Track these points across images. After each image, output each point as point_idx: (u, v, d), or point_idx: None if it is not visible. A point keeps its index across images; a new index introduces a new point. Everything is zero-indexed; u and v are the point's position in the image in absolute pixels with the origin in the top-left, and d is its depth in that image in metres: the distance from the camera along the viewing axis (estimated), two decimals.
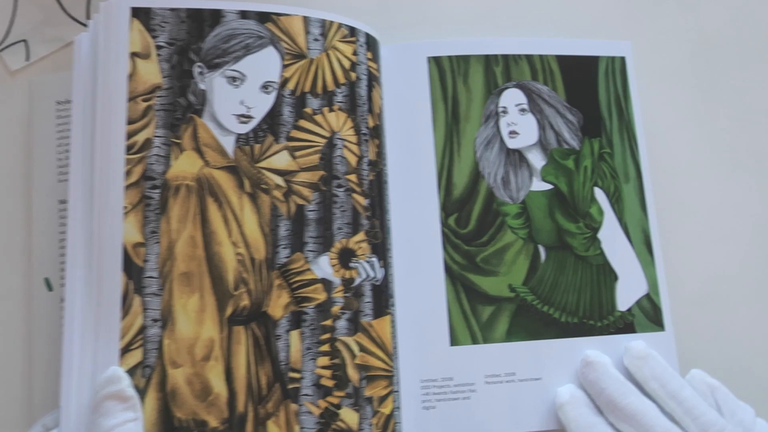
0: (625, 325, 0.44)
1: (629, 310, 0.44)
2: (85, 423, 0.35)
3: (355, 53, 0.42)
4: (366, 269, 0.40)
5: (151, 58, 0.39)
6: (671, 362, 0.43)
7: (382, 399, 0.39)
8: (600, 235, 0.45)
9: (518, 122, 0.46)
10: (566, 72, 0.47)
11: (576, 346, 0.43)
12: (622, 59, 0.48)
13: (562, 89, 0.46)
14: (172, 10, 0.40)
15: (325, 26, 0.42)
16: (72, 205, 0.38)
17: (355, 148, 0.41)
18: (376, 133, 0.42)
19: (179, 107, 0.39)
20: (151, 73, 0.39)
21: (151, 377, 0.37)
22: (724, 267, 0.48)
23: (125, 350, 0.37)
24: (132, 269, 0.37)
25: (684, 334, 0.45)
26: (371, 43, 0.43)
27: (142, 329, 0.37)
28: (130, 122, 0.39)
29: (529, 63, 0.46)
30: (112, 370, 0.36)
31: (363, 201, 0.41)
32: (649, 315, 0.44)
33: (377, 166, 0.42)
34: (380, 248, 0.41)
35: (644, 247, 0.45)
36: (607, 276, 0.45)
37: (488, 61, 0.46)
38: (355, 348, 0.39)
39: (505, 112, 0.46)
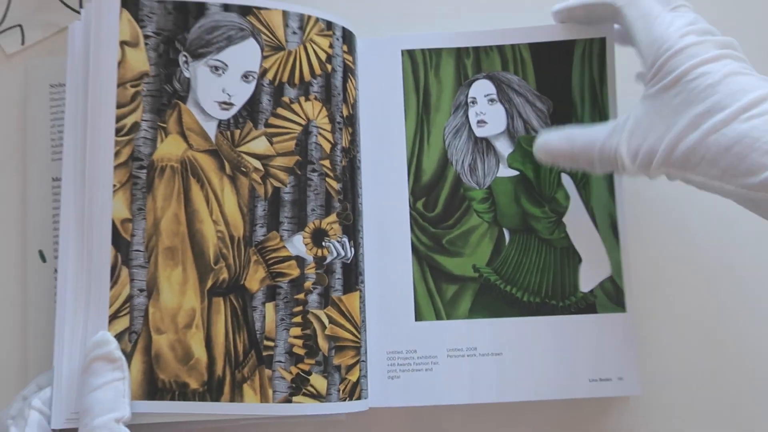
0: (586, 305, 0.48)
1: (591, 291, 0.49)
2: (76, 382, 0.42)
3: (331, 46, 0.48)
4: (337, 248, 0.46)
5: (140, 47, 0.45)
6: (631, 343, 0.47)
7: (350, 367, 0.45)
8: (565, 219, 0.50)
9: (487, 112, 0.51)
10: (538, 59, 0.50)
11: (537, 324, 0.48)
12: (602, 40, 0.49)
13: (532, 77, 0.50)
14: (159, 2, 0.45)
15: (303, 20, 0.47)
16: (65, 183, 0.44)
17: (329, 135, 0.47)
18: (350, 121, 0.48)
19: (165, 93, 0.45)
20: (140, 60, 0.45)
21: (137, 342, 0.43)
22: (688, 253, 0.52)
23: (113, 317, 0.43)
24: (120, 243, 0.43)
25: (643, 316, 0.50)
26: (347, 37, 0.49)
27: (129, 298, 0.43)
28: (119, 106, 0.44)
29: (500, 53, 0.51)
30: (101, 334, 0.42)
31: (336, 185, 0.47)
32: (611, 296, 0.49)
33: (350, 152, 0.48)
34: (351, 229, 0.47)
35: (610, 231, 0.49)
36: (571, 258, 0.49)
37: (459, 53, 0.51)
38: (326, 320, 0.45)
39: (474, 102, 0.51)
